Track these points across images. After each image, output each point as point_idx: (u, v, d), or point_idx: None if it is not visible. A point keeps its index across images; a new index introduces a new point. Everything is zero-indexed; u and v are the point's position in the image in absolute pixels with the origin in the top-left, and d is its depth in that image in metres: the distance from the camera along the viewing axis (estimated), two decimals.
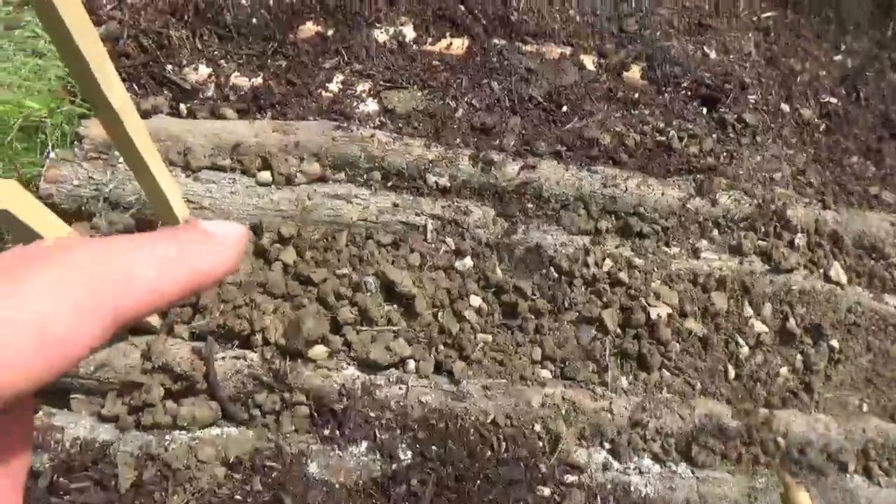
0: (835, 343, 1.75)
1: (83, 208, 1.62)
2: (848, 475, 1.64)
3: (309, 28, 1.98)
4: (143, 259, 0.28)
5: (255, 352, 1.55)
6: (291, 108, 1.83)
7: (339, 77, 1.91)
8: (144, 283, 0.28)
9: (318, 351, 1.54)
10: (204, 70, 1.87)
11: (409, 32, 2.01)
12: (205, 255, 0.31)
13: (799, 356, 1.74)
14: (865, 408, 1.73)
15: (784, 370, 1.71)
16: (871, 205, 1.92)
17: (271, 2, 1.97)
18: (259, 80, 1.87)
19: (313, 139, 1.75)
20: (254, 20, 1.93)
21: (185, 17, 1.90)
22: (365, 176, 1.76)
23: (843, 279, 1.82)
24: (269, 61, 1.89)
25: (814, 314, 1.78)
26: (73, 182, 1.62)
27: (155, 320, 1.55)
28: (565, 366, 1.65)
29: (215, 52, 1.88)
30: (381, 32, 2.00)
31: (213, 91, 1.85)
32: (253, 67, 1.88)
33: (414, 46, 1.99)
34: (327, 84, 1.89)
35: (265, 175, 1.70)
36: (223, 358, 1.52)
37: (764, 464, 1.61)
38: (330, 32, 1.97)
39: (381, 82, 1.91)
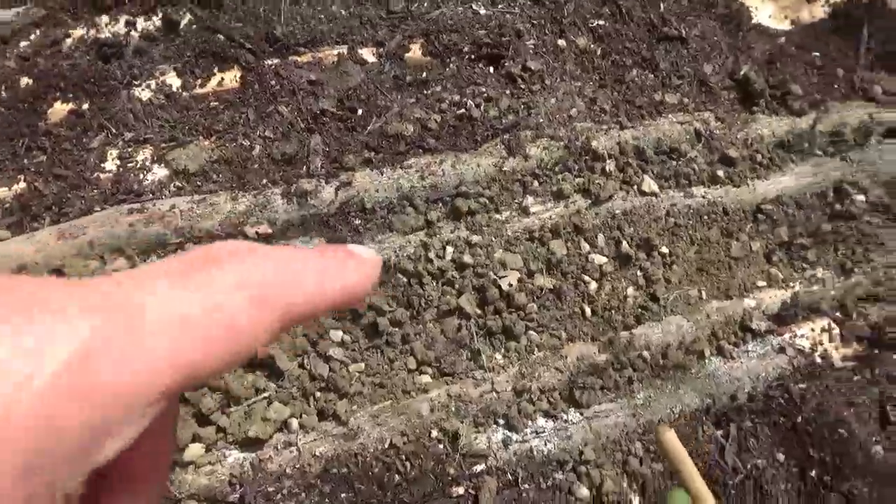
0: (665, 249, 1.91)
1: None
2: (706, 360, 1.82)
3: (60, 109, 1.77)
4: (305, 268, 0.32)
5: None
6: (70, 204, 1.65)
7: (113, 152, 1.74)
8: (307, 289, 0.31)
9: (193, 451, 1.47)
10: None
11: (174, 80, 1.85)
12: (351, 272, 0.34)
13: (639, 272, 1.88)
14: (704, 295, 1.92)
15: (630, 290, 1.85)
16: (659, 111, 2.07)
17: (4, 93, 1.73)
18: (22, 186, 1.66)
19: (108, 232, 1.60)
20: None
21: None
22: (178, 252, 1.64)
23: (656, 188, 1.97)
24: (25, 161, 1.68)
25: (640, 230, 1.92)
26: None
27: None
28: (441, 364, 1.69)
29: None
30: (143, 89, 1.83)
31: None
32: (9, 173, 1.67)
33: (184, 94, 1.84)
34: (102, 164, 1.72)
35: None
36: None
37: (638, 381, 1.76)
38: (85, 107, 1.77)
39: (162, 144, 1.76)
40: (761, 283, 1.98)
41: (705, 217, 2.00)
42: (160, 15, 1.93)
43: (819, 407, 1.82)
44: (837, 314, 1.98)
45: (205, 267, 0.28)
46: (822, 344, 1.93)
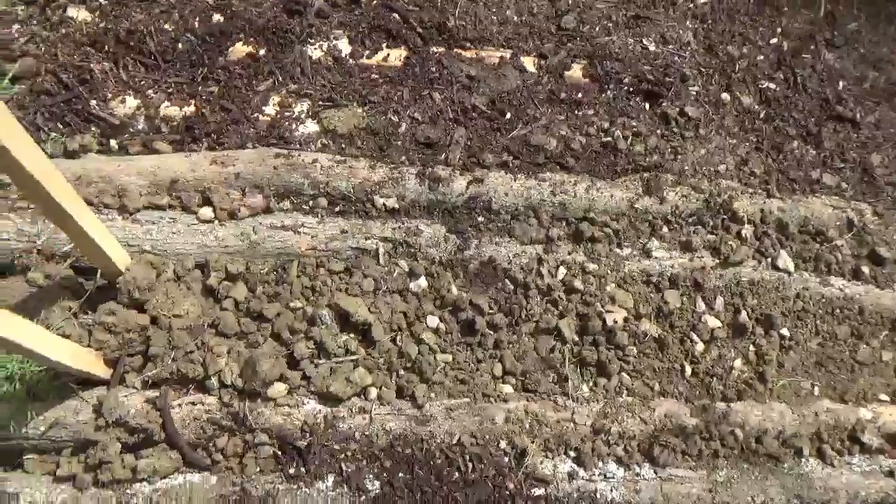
0: (785, 331, 1.87)
1: (16, 263, 1.62)
2: (803, 459, 1.76)
3: (239, 49, 1.98)
4: None
5: (213, 395, 1.58)
6: (228, 136, 1.84)
7: (276, 99, 1.92)
8: None
9: (278, 389, 1.59)
10: (132, 102, 1.86)
11: (345, 47, 2.03)
12: None
13: (752, 347, 1.85)
14: (817, 391, 1.86)
15: (738, 362, 1.83)
16: (813, 189, 2.04)
17: (197, 25, 1.96)
18: (191, 109, 1.87)
19: (254, 169, 1.77)
20: (180, 46, 1.92)
21: (107, 48, 1.88)
22: (310, 203, 1.79)
23: (791, 266, 1.94)
24: (199, 88, 1.89)
25: (764, 304, 1.89)
26: (1, 237, 1.61)
27: (104, 371, 1.56)
28: (526, 379, 1.73)
29: (142, 83, 1.88)
30: (315, 48, 2.01)
31: (144, 124, 1.84)
32: (184, 96, 1.88)
33: (350, 61, 2.01)
34: (263, 107, 1.90)
35: (206, 211, 1.72)
36: (179, 405, 1.55)
37: (724, 457, 1.72)
38: (262, 53, 1.97)
39: (320, 101, 1.93)
40: (884, 398, 1.89)
41: (837, 311, 1.94)
42: None
43: None
44: None
45: None
46: None
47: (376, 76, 2.00)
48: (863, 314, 1.95)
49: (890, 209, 2.08)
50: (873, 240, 2.02)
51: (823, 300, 1.94)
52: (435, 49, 2.06)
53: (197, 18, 1.99)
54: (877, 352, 1.93)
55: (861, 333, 1.94)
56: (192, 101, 1.88)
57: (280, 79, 1.95)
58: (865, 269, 1.99)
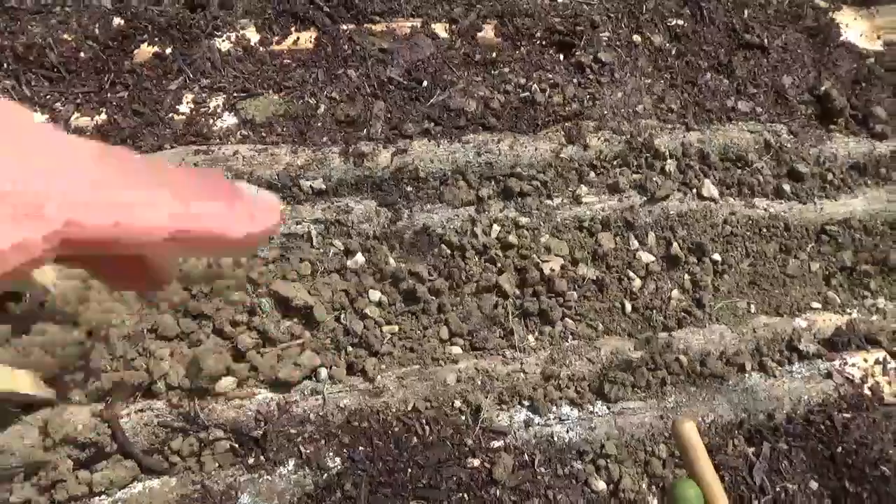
0: (717, 256, 1.87)
1: None
2: (746, 374, 1.77)
3: (145, 51, 1.87)
4: (133, 173, 0.21)
5: (161, 399, 1.52)
6: (144, 139, 1.75)
7: (189, 96, 1.83)
8: (125, 203, 0.21)
9: (226, 383, 1.53)
10: (39, 118, 1.75)
11: (253, 35, 1.93)
12: (221, 210, 0.25)
13: (687, 276, 1.85)
14: (753, 309, 1.86)
15: (675, 292, 1.82)
16: (729, 117, 2.02)
17: (97, 31, 1.84)
18: (103, 118, 1.77)
19: None
20: (82, 54, 1.81)
21: (6, 66, 1.76)
22: None
23: (716, 194, 1.93)
24: (109, 95, 1.79)
25: (694, 233, 1.88)
26: None
27: (47, 392, 1.49)
28: (473, 338, 1.70)
29: (48, 97, 1.77)
30: (223, 40, 1.91)
31: None
32: (93, 105, 1.78)
33: (261, 49, 1.92)
34: (177, 106, 1.81)
35: None
36: (128, 414, 1.49)
37: (671, 384, 1.72)
38: (168, 51, 1.87)
39: (234, 93, 1.84)
40: (816, 305, 1.90)
41: (764, 230, 1.94)
42: None
43: (862, 440, 1.74)
44: (895, 348, 1.88)
45: None
46: (873, 376, 1.84)
47: (289, 61, 1.92)
48: (789, 230, 1.96)
49: (804, 127, 2.08)
50: (791, 158, 2.02)
51: (750, 222, 1.94)
52: (345, 27, 1.98)
53: (97, 25, 1.88)
54: (805, 264, 1.94)
55: (789, 248, 1.94)
56: (103, 109, 1.78)
57: (191, 75, 1.85)
58: (786, 187, 1.99)
